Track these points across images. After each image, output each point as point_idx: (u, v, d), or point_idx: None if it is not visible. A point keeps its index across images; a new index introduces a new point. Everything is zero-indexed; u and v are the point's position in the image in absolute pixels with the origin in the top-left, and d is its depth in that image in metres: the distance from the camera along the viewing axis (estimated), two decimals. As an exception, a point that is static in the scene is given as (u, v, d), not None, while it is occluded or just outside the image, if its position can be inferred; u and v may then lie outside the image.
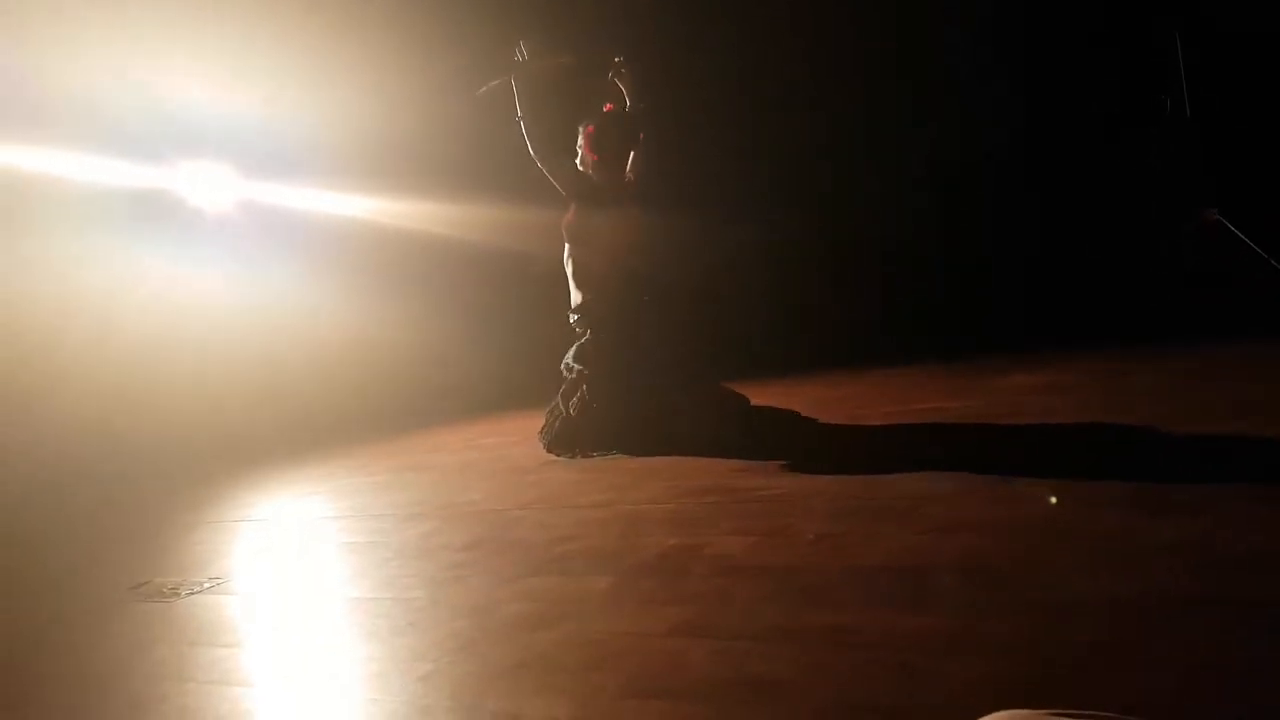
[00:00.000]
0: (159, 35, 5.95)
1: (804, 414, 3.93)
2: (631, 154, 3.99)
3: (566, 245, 3.96)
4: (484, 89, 4.02)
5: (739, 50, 7.02)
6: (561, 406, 3.90)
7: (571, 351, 3.87)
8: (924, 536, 1.90)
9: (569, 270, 3.96)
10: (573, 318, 3.93)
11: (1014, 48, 6.48)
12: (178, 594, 2.37)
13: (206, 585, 2.42)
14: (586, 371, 3.79)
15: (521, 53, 3.93)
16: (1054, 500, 1.97)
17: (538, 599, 1.88)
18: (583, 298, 3.90)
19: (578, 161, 3.99)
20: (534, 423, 4.41)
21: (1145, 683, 1.14)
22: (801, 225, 6.87)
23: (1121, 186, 6.11)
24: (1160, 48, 5.73)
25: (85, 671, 1.87)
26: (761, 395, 4.09)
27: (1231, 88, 5.60)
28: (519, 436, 4.64)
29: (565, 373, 3.93)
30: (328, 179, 7.28)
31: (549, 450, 3.92)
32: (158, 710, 1.56)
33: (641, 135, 4.00)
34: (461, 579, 2.13)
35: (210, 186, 6.94)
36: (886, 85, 6.82)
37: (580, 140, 3.98)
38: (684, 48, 6.67)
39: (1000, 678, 1.21)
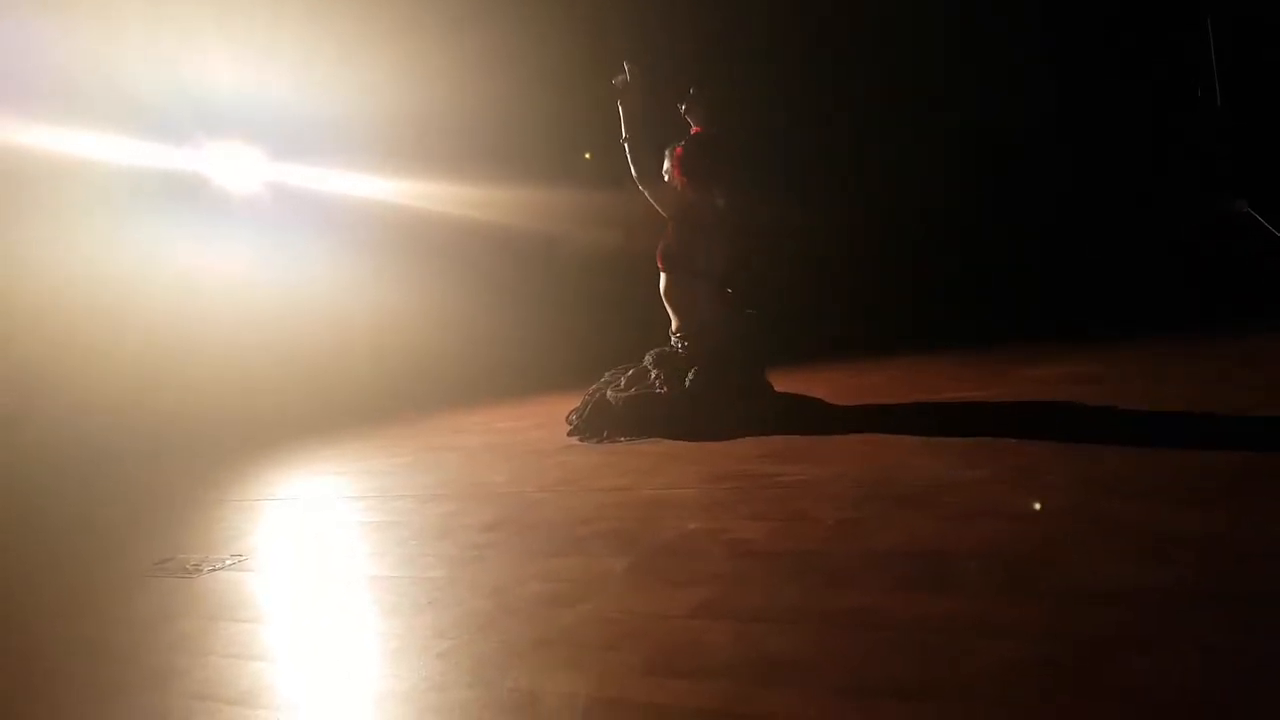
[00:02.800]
0: (187, 14, 5.98)
1: (828, 400, 3.92)
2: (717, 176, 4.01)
3: (663, 274, 3.98)
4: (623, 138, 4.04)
5: (774, 43, 7.02)
6: (609, 395, 3.93)
7: (654, 359, 3.92)
8: (944, 523, 1.89)
9: (668, 296, 4.01)
10: (674, 338, 3.99)
11: (1046, 33, 6.43)
12: (200, 570, 2.39)
13: (228, 562, 2.44)
14: (666, 392, 3.81)
15: (627, 75, 3.93)
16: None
17: (558, 579, 1.88)
18: (686, 322, 3.95)
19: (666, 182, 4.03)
20: (555, 407, 4.42)
21: (1161, 671, 1.13)
22: (827, 213, 6.85)
23: (1153, 174, 6.05)
24: (1193, 34, 5.67)
25: (108, 643, 1.89)
26: (786, 381, 4.09)
27: (1264, 75, 5.53)
28: (540, 420, 4.66)
29: (651, 365, 3.97)
30: (353, 160, 7.31)
31: (574, 433, 3.94)
32: (178, 682, 1.57)
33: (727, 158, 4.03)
34: (482, 559, 2.13)
35: (237, 167, 6.97)
36: (918, 71, 6.79)
37: (668, 163, 3.99)
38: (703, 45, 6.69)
39: (1018, 662, 1.20)
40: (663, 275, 4.00)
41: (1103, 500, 1.91)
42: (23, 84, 5.64)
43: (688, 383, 3.78)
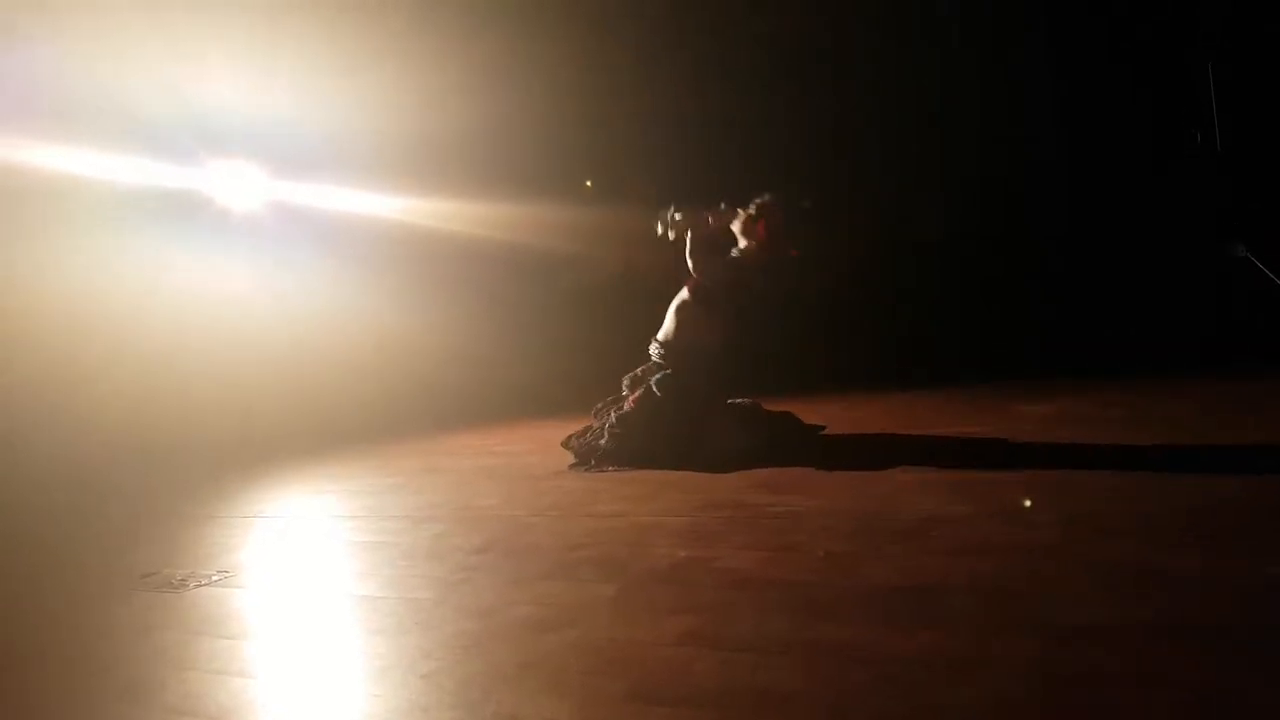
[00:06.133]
0: (188, 34, 6.00)
1: (822, 432, 3.92)
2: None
3: (685, 291, 3.95)
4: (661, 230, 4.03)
5: (773, 84, 7.05)
6: (603, 424, 3.91)
7: (655, 379, 3.87)
8: (933, 557, 1.88)
9: (678, 310, 3.96)
10: (654, 348, 3.97)
11: (1048, 82, 6.48)
12: (186, 585, 2.37)
13: (214, 578, 2.42)
14: (661, 396, 3.80)
15: (672, 219, 3.96)
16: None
17: (545, 603, 1.87)
18: (678, 336, 3.92)
19: (739, 232, 3.98)
20: (550, 431, 4.40)
21: (1145, 706, 1.12)
22: (824, 249, 6.86)
23: (1151, 218, 6.08)
24: (1192, 81, 5.72)
25: (89, 655, 1.87)
26: (779, 412, 4.08)
27: (1262, 121, 5.57)
28: (536, 444, 4.64)
29: (626, 390, 3.94)
30: (353, 178, 7.33)
31: (571, 463, 3.91)
32: (157, 696, 1.56)
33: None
34: (470, 581, 2.12)
35: (238, 186, 6.99)
36: (917, 121, 6.83)
37: (739, 225, 3.97)
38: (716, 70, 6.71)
39: (1003, 696, 1.19)
40: (683, 291, 3.98)
41: (1089, 538, 1.91)
42: (23, 102, 5.66)
43: (651, 386, 3.82)
